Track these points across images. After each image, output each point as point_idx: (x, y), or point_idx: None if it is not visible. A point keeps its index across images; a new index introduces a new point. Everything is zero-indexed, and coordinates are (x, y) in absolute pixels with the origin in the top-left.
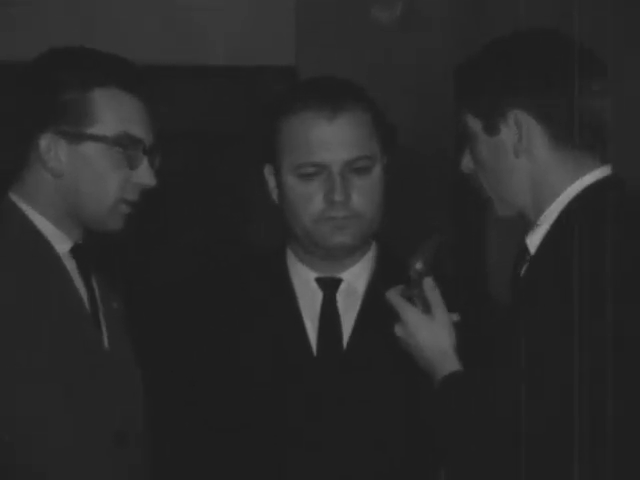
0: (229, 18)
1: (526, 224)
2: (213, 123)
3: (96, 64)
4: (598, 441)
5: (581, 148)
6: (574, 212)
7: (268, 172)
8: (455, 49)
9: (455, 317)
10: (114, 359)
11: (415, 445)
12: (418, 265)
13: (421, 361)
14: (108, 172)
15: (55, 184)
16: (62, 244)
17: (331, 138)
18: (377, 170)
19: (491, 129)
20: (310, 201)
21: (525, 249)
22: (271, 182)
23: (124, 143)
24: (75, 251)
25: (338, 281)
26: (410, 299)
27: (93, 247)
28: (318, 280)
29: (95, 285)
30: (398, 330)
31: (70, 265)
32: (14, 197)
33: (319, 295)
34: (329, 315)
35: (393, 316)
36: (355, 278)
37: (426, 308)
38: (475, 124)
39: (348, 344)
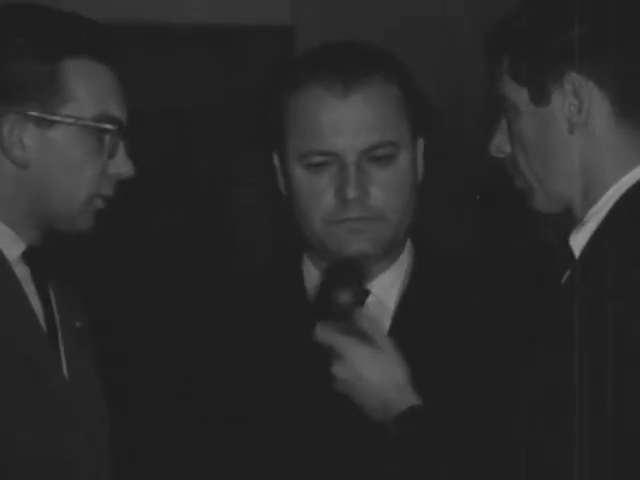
0: None
1: (571, 221)
2: (192, 97)
3: (64, 27)
4: None
5: None
6: (627, 208)
7: (275, 159)
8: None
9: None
10: (74, 391)
11: None
12: (342, 297)
13: (371, 402)
14: (83, 161)
15: (17, 175)
16: (12, 247)
17: (343, 120)
18: (404, 158)
19: (540, 98)
20: (319, 198)
21: (568, 251)
22: (278, 172)
23: (104, 126)
24: (28, 255)
25: (365, 293)
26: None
27: (51, 250)
28: None
29: (53, 298)
30: (338, 370)
31: (22, 273)
32: None
33: None
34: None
35: (335, 356)
36: (385, 289)
37: (365, 342)
38: (518, 93)
39: None
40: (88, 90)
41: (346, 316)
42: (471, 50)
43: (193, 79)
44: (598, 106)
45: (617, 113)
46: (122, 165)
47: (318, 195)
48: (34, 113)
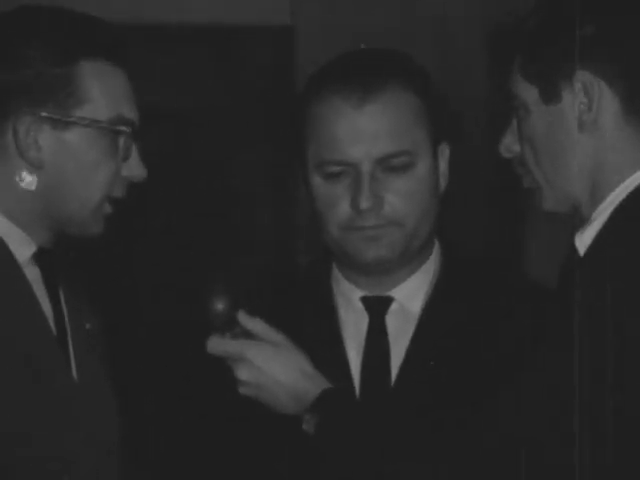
0: None
1: (577, 220)
2: (192, 97)
3: (79, 29)
4: None
5: None
6: (633, 207)
7: (298, 168)
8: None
9: None
10: (84, 393)
11: None
12: (218, 306)
13: (282, 396)
14: (98, 163)
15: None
16: (23, 248)
17: (359, 130)
18: (422, 166)
19: (551, 97)
20: (336, 207)
21: (574, 250)
22: (300, 180)
23: (119, 128)
24: (39, 257)
25: (388, 300)
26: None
27: (61, 252)
28: (364, 300)
29: (63, 300)
30: (242, 373)
31: (32, 274)
32: None
33: (365, 318)
34: (376, 343)
35: (234, 365)
36: (409, 296)
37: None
38: (528, 91)
39: (396, 381)
40: (103, 92)
41: (229, 324)
42: (471, 50)
43: (193, 79)
44: (608, 105)
45: (626, 112)
46: (135, 167)
47: (334, 204)
48: (49, 115)
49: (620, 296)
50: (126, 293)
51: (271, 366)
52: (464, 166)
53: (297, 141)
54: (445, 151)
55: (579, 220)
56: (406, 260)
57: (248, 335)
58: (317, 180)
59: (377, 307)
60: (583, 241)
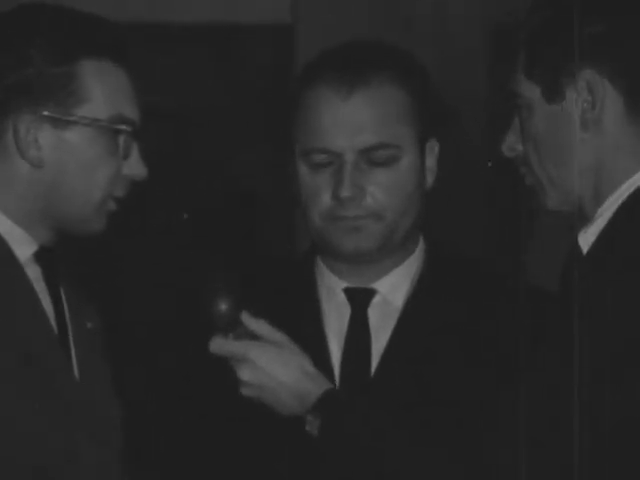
0: None
1: (580, 220)
2: (192, 97)
3: (80, 28)
4: None
5: None
6: (636, 207)
7: (288, 157)
8: None
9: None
10: (85, 392)
11: None
12: (222, 307)
13: (284, 397)
14: (98, 162)
15: (32, 175)
16: (24, 247)
17: (344, 120)
18: (407, 161)
19: (553, 95)
20: (319, 196)
21: (577, 248)
22: (290, 170)
23: (119, 127)
24: (40, 256)
25: (371, 292)
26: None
27: (62, 250)
28: (347, 291)
29: (64, 299)
30: (245, 374)
31: (33, 273)
32: None
33: (347, 310)
34: (357, 335)
35: (237, 365)
36: (392, 289)
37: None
38: (531, 90)
39: (376, 373)
40: (104, 91)
41: (232, 324)
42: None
43: (193, 78)
44: (611, 103)
45: (630, 111)
46: (135, 166)
47: (317, 193)
48: (50, 114)
49: (623, 294)
50: (127, 292)
51: (273, 367)
52: (464, 166)
53: (286, 130)
54: (434, 148)
55: (582, 219)
56: (387, 252)
57: (251, 336)
58: (303, 169)
59: (359, 299)
60: (586, 239)
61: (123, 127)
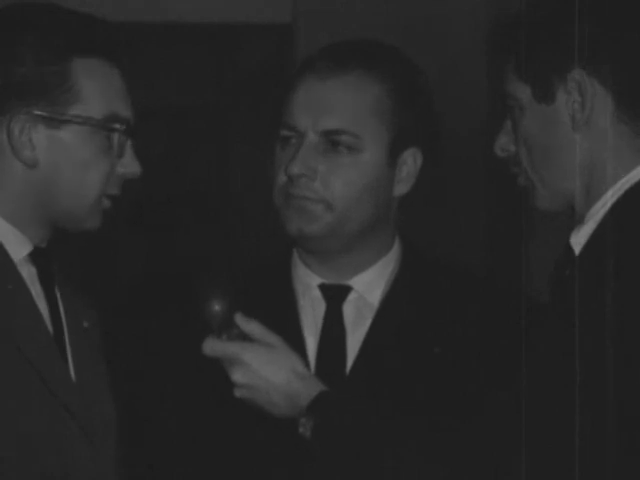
0: None
1: (572, 220)
2: (192, 96)
3: (74, 27)
4: None
5: None
6: (627, 207)
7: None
8: None
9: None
10: (81, 392)
11: None
12: (215, 308)
13: (277, 399)
14: (92, 161)
15: (26, 175)
16: (19, 247)
17: (315, 99)
18: (370, 157)
19: (544, 96)
20: (278, 172)
21: (569, 249)
22: None
23: (113, 126)
24: (35, 256)
25: (346, 289)
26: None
27: (58, 250)
28: (322, 287)
29: (60, 299)
30: (237, 376)
31: (28, 273)
32: None
33: (323, 305)
34: (332, 331)
35: (230, 367)
36: (368, 286)
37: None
38: (522, 91)
39: (352, 369)
40: (97, 90)
41: (225, 325)
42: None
43: (193, 77)
44: (601, 104)
45: (620, 111)
46: (130, 164)
47: (278, 169)
48: (44, 113)
49: (615, 295)
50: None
51: (265, 368)
52: (464, 166)
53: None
54: (416, 158)
55: (574, 220)
56: (343, 245)
57: (244, 337)
58: (277, 147)
59: (334, 295)
60: (578, 240)
61: (117, 126)
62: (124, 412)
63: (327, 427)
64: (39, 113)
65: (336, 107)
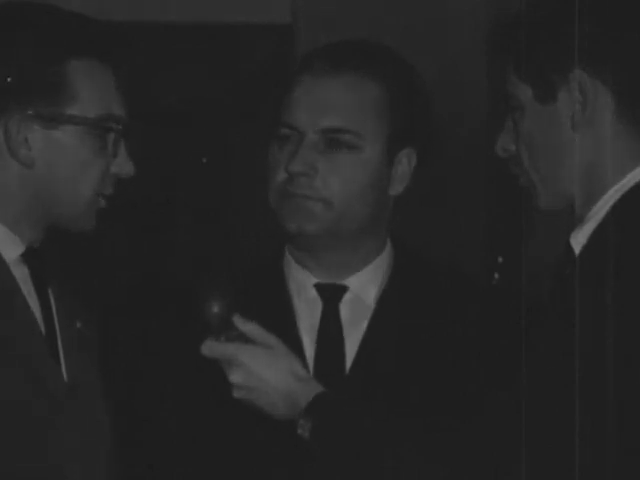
0: None
1: (572, 220)
2: (192, 95)
3: (70, 27)
4: None
5: None
6: (627, 207)
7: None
8: None
9: None
10: (74, 393)
11: None
12: (214, 309)
13: (275, 400)
14: (88, 161)
15: (22, 175)
16: (11, 248)
17: (313, 98)
18: (370, 156)
19: (545, 96)
20: (276, 171)
21: (569, 249)
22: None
23: (108, 126)
24: (28, 256)
25: (342, 289)
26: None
27: (50, 250)
28: (318, 287)
29: (52, 299)
30: (236, 377)
31: (20, 273)
32: None
33: (319, 305)
34: (330, 331)
35: (229, 368)
36: (364, 286)
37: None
38: (523, 91)
39: (351, 370)
40: (93, 90)
41: (224, 326)
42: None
43: (193, 77)
44: (603, 104)
45: (621, 111)
46: (124, 164)
47: (276, 168)
48: (40, 113)
49: (615, 295)
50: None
51: (264, 370)
52: (464, 166)
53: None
54: (411, 157)
55: (574, 219)
56: (341, 243)
57: (243, 338)
58: (272, 146)
59: (331, 294)
60: (578, 240)
61: (112, 125)
62: (123, 413)
63: (326, 428)
64: (35, 113)
65: (337, 106)
